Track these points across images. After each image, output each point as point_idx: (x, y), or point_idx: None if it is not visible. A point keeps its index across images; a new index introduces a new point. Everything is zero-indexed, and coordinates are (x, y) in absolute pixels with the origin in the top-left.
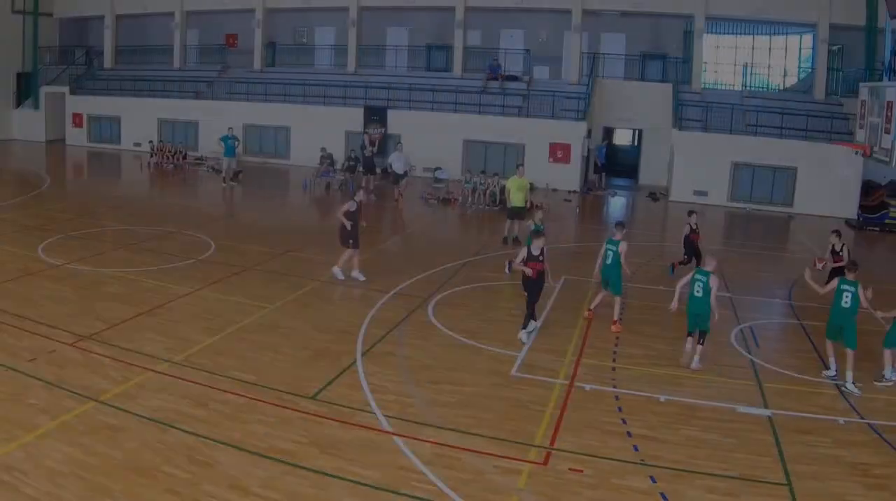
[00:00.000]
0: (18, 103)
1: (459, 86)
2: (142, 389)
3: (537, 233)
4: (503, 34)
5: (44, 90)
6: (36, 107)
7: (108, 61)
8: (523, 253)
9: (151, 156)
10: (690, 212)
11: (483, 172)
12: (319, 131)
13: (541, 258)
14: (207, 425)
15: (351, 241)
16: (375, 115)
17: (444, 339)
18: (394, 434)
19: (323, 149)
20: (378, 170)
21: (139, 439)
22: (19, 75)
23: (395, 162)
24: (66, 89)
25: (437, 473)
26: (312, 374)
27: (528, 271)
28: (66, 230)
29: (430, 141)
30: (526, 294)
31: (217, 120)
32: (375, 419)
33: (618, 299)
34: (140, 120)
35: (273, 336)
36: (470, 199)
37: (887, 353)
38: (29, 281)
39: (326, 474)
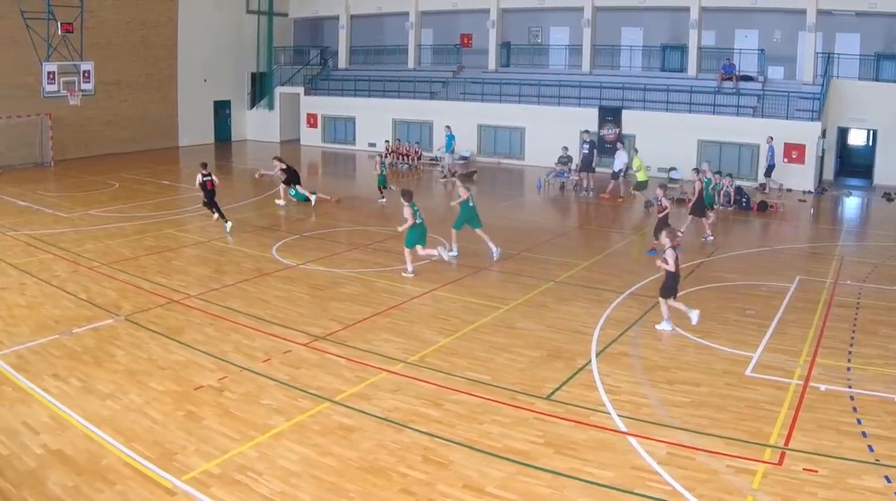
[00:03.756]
0: (253, 104)
1: (694, 86)
2: (377, 389)
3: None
4: (737, 34)
5: (278, 90)
6: (270, 107)
7: (342, 61)
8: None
9: (386, 156)
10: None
11: (718, 172)
12: (554, 131)
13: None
14: (442, 425)
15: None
16: (610, 116)
17: (678, 339)
18: (629, 434)
19: (564, 149)
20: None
21: (374, 439)
22: (254, 76)
23: (615, 159)
24: (300, 89)
25: (672, 473)
26: (547, 374)
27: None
28: (299, 230)
29: (664, 141)
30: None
31: (451, 120)
32: (610, 419)
33: None
34: (375, 120)
35: (507, 336)
36: None
37: None
38: (263, 282)
39: (561, 474)
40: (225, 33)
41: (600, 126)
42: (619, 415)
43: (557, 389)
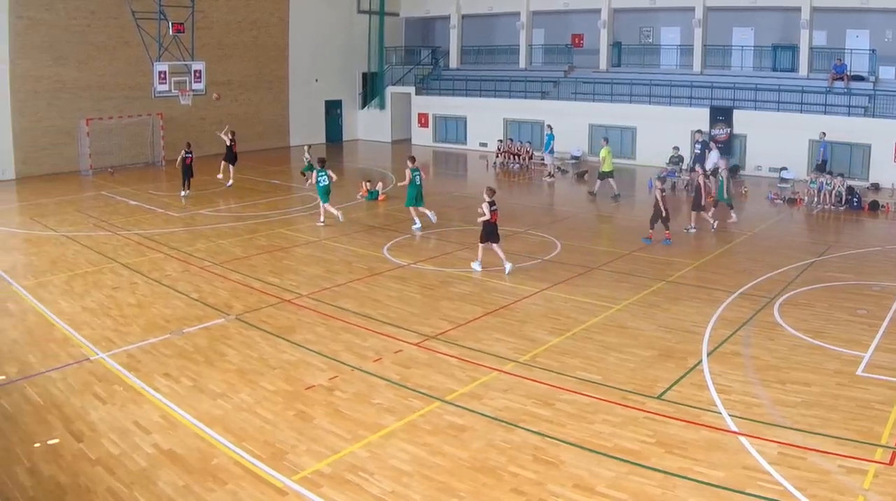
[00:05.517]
0: (364, 103)
1: (805, 86)
2: (487, 389)
3: None
4: (849, 34)
5: (389, 90)
6: (381, 107)
7: (453, 61)
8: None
9: (497, 155)
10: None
11: (829, 172)
12: (665, 131)
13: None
14: (552, 425)
15: None
16: (721, 115)
17: (789, 339)
18: (740, 434)
19: (675, 149)
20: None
21: (485, 438)
22: (365, 75)
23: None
24: (411, 89)
25: (783, 473)
26: (658, 374)
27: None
28: (409, 230)
29: (775, 141)
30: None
31: (562, 120)
32: (721, 419)
33: None
34: (486, 120)
35: (619, 336)
36: (816, 200)
37: None
38: (374, 282)
39: (672, 474)
40: (336, 33)
41: (711, 126)
42: (730, 415)
43: (668, 389)
